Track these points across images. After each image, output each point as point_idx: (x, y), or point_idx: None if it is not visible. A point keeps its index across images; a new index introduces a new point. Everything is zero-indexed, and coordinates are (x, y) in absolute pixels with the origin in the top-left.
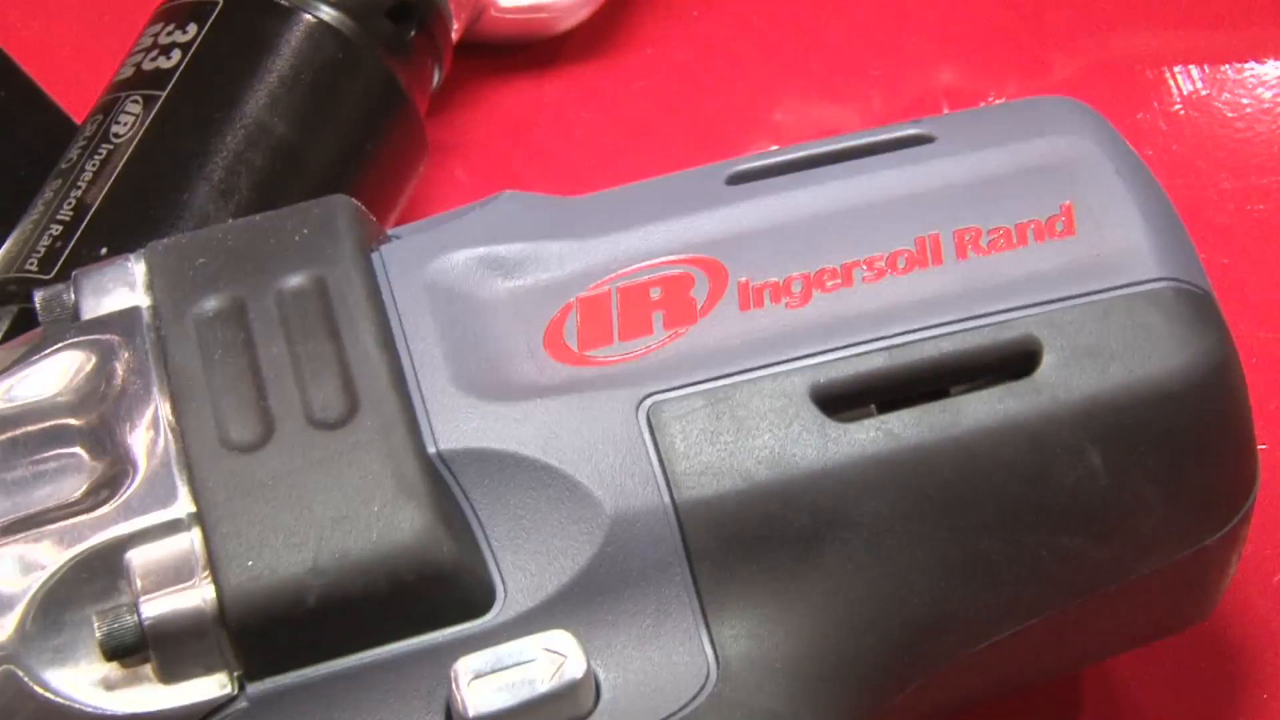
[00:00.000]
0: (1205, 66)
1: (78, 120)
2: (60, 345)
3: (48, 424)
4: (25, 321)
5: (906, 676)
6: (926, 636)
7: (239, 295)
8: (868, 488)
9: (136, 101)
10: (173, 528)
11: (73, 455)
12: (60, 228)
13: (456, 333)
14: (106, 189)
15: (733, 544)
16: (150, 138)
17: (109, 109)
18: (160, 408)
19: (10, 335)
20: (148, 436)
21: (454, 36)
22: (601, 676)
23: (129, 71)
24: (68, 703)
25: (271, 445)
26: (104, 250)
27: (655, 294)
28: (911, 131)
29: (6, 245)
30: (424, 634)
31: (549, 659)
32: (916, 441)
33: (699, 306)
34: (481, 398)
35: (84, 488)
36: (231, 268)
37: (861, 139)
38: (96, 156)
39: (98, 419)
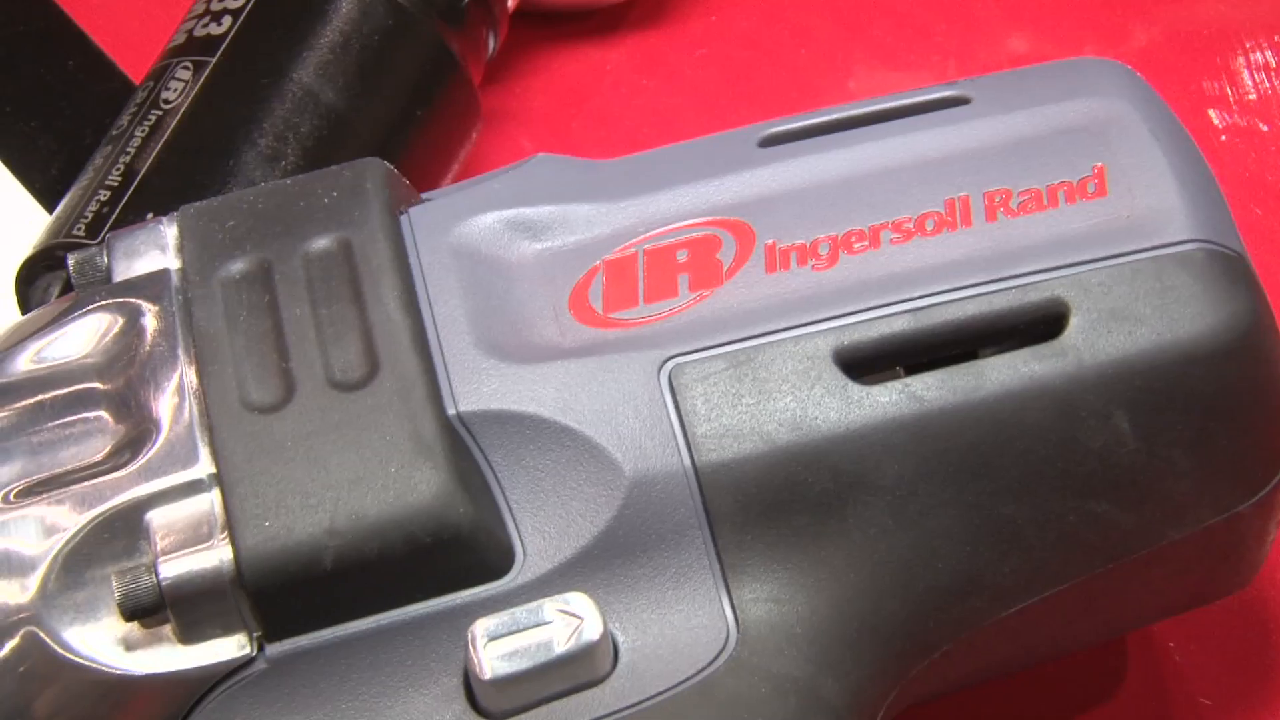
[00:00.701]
0: None
1: None
2: (90, 307)
3: (75, 387)
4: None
5: (932, 642)
6: (952, 602)
7: (266, 258)
8: (890, 450)
9: (187, 68)
10: (193, 488)
11: (98, 417)
12: (108, 193)
13: (481, 295)
14: (154, 155)
15: (754, 507)
16: (198, 104)
17: (160, 75)
18: (185, 369)
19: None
20: (172, 398)
21: (510, 4)
22: (620, 639)
23: (181, 38)
24: (88, 662)
25: (292, 406)
26: (150, 216)
27: (682, 256)
28: (947, 93)
29: (57, 211)
30: (442, 596)
31: (566, 621)
32: (940, 404)
33: (725, 269)
34: (503, 359)
35: (107, 449)
36: (260, 230)
37: (897, 101)
38: (146, 122)
39: (124, 381)
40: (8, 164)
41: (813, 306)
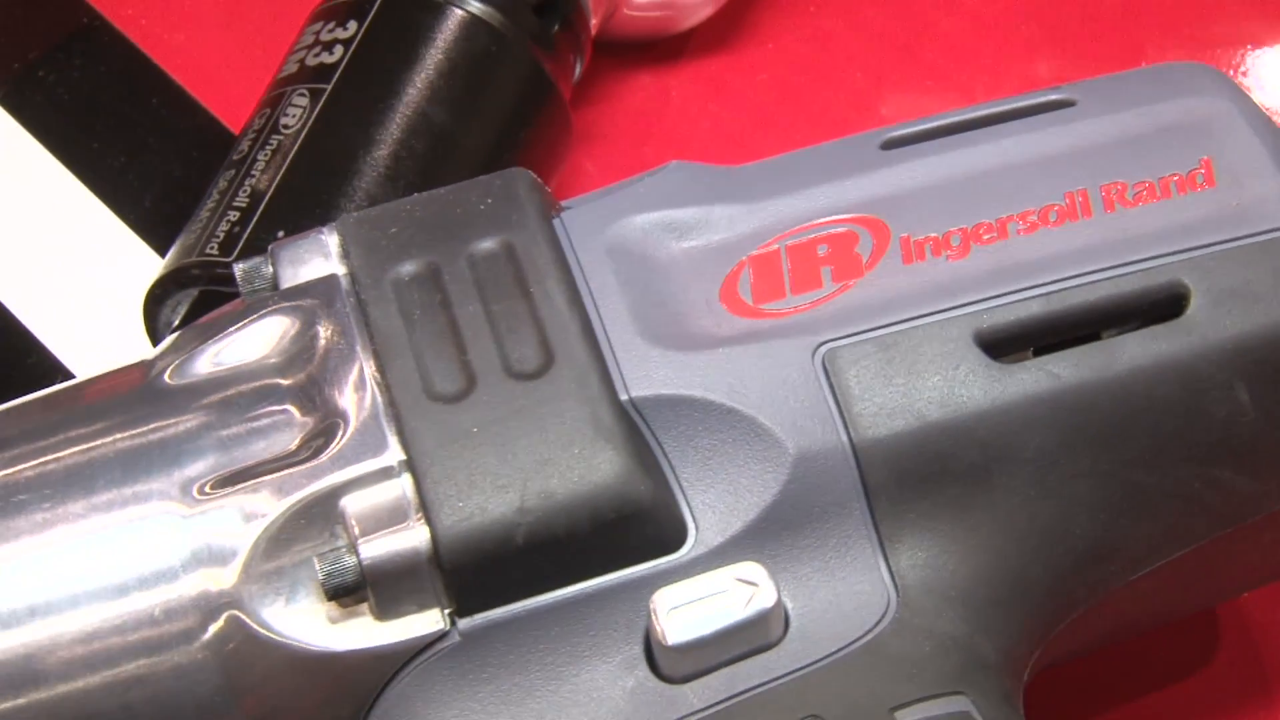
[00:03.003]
0: None
1: (225, 122)
2: (264, 312)
3: (258, 383)
4: (206, 302)
5: (1070, 605)
6: (1088, 566)
7: (433, 261)
8: (1032, 425)
9: (303, 95)
10: (384, 475)
11: (284, 411)
12: (237, 214)
13: (638, 290)
14: (279, 177)
15: (908, 480)
16: (318, 128)
17: (276, 103)
18: (365, 365)
19: (191, 315)
20: (355, 392)
21: (592, 32)
22: (789, 605)
23: (293, 68)
24: (290, 641)
25: (474, 396)
26: (280, 234)
27: (822, 251)
28: (1053, 97)
29: (183, 235)
30: (622, 569)
31: (742, 589)
32: (1076, 381)
33: (864, 261)
34: (667, 348)
35: (297, 441)
36: (423, 236)
37: (1006, 105)
38: (267, 147)
39: (305, 378)
40: (101, 197)
41: (951, 293)
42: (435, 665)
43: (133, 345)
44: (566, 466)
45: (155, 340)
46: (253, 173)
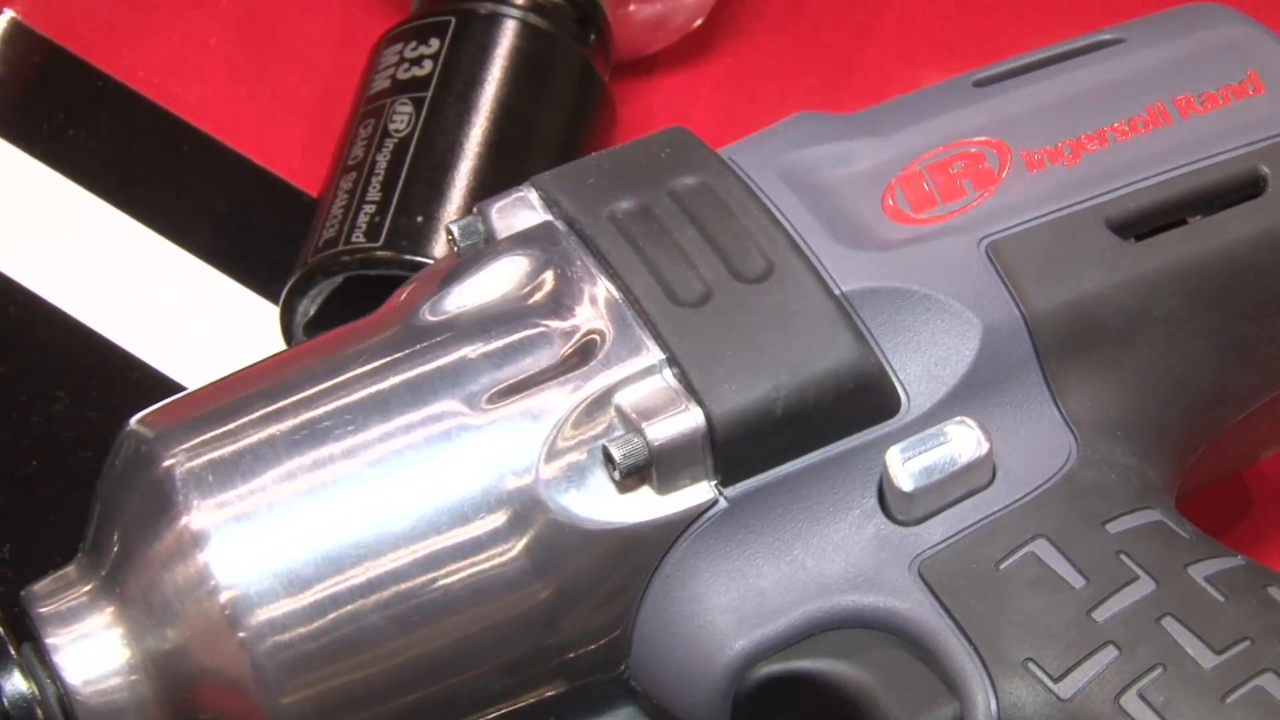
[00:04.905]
0: None
1: (254, 159)
2: (495, 255)
3: (512, 309)
4: (350, 285)
5: (1196, 443)
6: (1209, 409)
7: (639, 199)
8: (1162, 291)
9: (405, 104)
10: (649, 372)
11: (541, 332)
12: (374, 206)
13: (818, 207)
14: (404, 172)
15: (1069, 343)
16: (428, 128)
17: (378, 114)
18: (605, 286)
19: (333, 297)
20: (603, 309)
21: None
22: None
23: (384, 83)
24: (586, 520)
25: (714, 300)
26: (419, 219)
27: (957, 167)
28: (1104, 37)
29: (316, 233)
30: (855, 434)
31: (959, 440)
32: (1194, 252)
33: (996, 172)
34: (860, 249)
35: (561, 354)
36: (620, 183)
37: (1066, 46)
38: (385, 149)
39: (553, 302)
40: (161, 233)
41: (1075, 190)
42: (708, 530)
43: (224, 353)
44: (808, 349)
45: (289, 332)
46: (377, 172)
